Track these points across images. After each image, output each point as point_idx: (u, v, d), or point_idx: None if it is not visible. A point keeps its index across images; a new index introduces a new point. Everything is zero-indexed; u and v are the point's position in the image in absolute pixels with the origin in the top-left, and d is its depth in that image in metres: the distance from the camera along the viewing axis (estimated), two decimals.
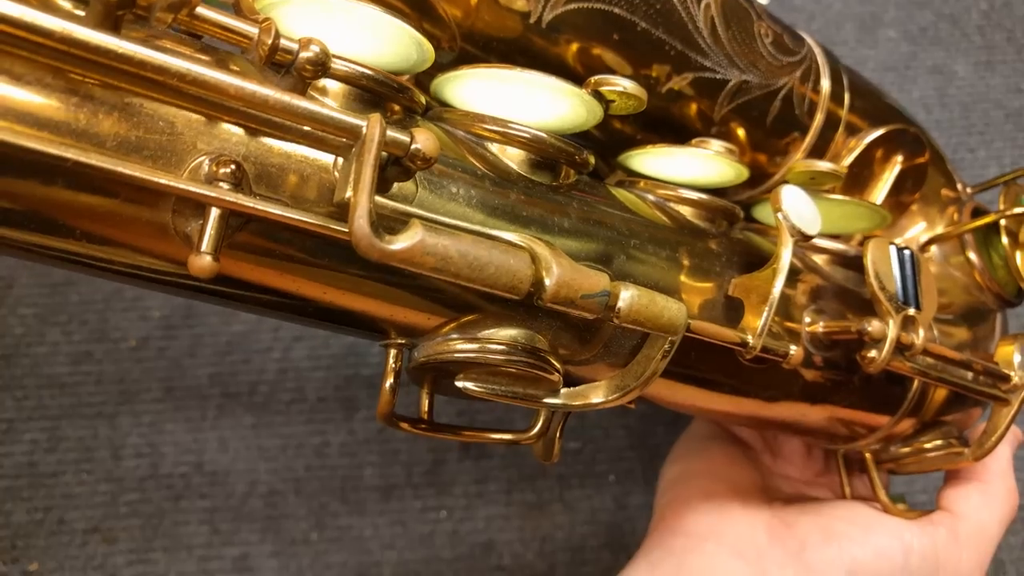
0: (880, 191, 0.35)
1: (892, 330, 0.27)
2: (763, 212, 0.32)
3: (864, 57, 0.58)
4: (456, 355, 0.22)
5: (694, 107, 0.29)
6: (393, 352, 0.23)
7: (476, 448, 0.47)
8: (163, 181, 0.16)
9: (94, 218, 0.18)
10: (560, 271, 0.20)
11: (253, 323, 0.48)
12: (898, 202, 0.35)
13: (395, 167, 0.19)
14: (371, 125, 0.18)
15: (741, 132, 0.31)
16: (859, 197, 0.34)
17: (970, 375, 0.31)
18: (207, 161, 0.18)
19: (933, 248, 0.37)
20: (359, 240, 0.17)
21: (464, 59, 0.26)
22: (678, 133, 0.30)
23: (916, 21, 0.59)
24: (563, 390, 0.24)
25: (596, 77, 0.23)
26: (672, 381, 0.27)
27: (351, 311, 0.22)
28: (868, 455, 0.34)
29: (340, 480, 0.46)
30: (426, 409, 0.25)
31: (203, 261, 0.17)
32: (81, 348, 0.46)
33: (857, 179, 0.34)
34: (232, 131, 0.19)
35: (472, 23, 0.25)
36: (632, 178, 0.28)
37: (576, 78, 0.24)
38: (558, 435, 0.26)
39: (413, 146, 0.18)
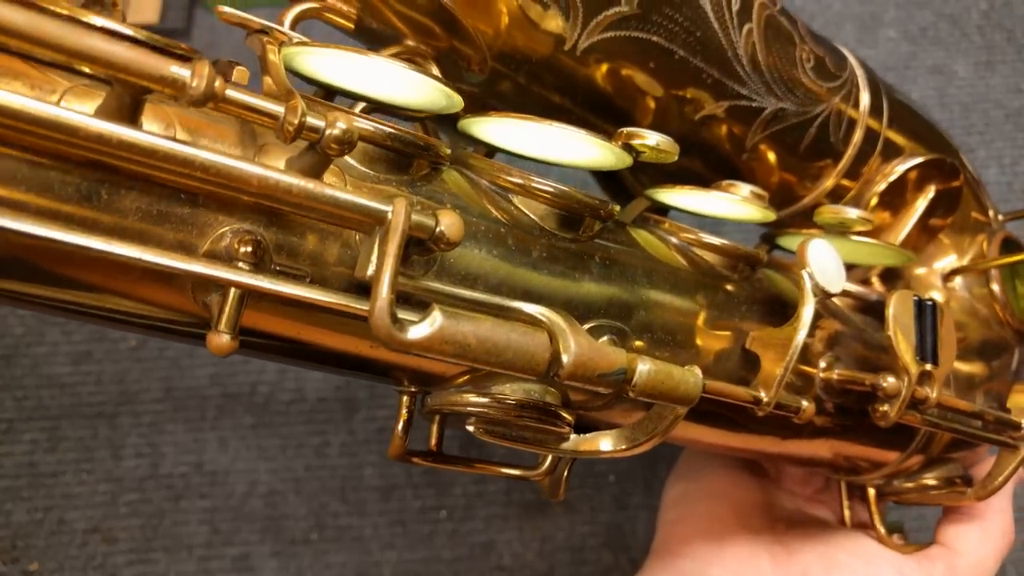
0: (911, 218, 0.34)
1: (906, 389, 0.27)
2: (789, 242, 0.31)
3: (864, 57, 0.57)
4: (468, 408, 0.22)
5: (728, 133, 0.29)
6: (406, 398, 0.24)
7: (478, 445, 0.47)
8: (180, 265, 0.16)
9: (113, 287, 0.18)
10: (578, 350, 0.20)
11: None
12: (928, 227, 0.35)
13: (417, 247, 0.19)
14: (396, 212, 0.18)
15: (773, 157, 0.30)
16: (890, 221, 0.34)
17: (980, 423, 0.31)
18: (229, 234, 0.18)
19: (957, 279, 0.36)
20: (379, 331, 0.17)
21: (494, 79, 0.25)
22: (709, 156, 0.29)
23: (916, 21, 0.59)
24: (573, 436, 0.24)
25: (627, 130, 0.23)
26: (684, 422, 0.28)
27: (368, 360, 0.22)
28: (871, 490, 0.35)
29: (340, 480, 0.46)
30: (435, 442, 0.25)
31: (221, 340, 0.17)
32: (81, 348, 0.46)
33: (888, 205, 0.33)
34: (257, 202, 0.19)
35: (503, 43, 0.24)
36: (657, 217, 0.28)
37: (606, 100, 0.24)
38: (565, 475, 0.27)
39: (438, 230, 0.18)
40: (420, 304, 0.19)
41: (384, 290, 0.17)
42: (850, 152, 0.31)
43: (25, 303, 0.18)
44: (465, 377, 0.23)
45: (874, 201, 0.33)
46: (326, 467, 0.46)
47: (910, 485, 0.34)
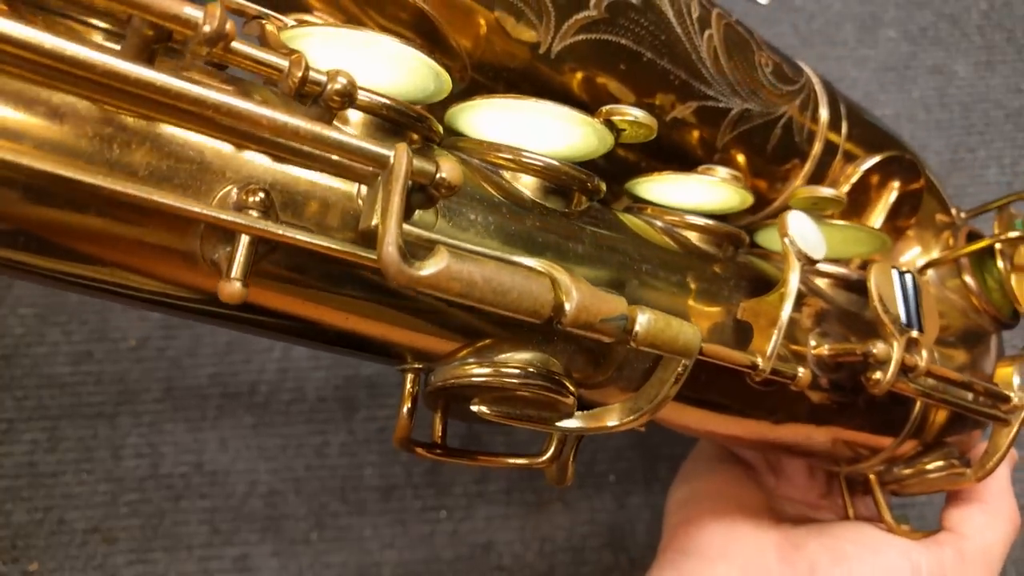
0: (878, 216, 0.35)
1: (896, 352, 0.27)
2: (766, 238, 0.32)
3: (864, 57, 0.58)
4: (472, 379, 0.22)
5: (698, 135, 0.30)
6: (410, 377, 0.24)
7: (478, 441, 0.47)
8: (196, 209, 0.17)
9: (123, 247, 0.18)
10: (580, 296, 0.20)
11: None
12: (895, 227, 0.36)
13: (419, 195, 0.19)
14: (398, 154, 0.18)
15: (743, 159, 0.31)
16: (858, 222, 0.35)
17: (971, 396, 0.32)
18: (235, 190, 0.18)
19: (930, 272, 0.37)
20: (388, 266, 0.18)
21: (475, 89, 0.26)
22: (682, 161, 0.30)
23: (916, 21, 0.59)
24: (577, 413, 0.24)
25: (607, 107, 0.24)
26: (682, 404, 0.28)
27: (371, 337, 0.22)
28: (872, 476, 0.35)
29: (340, 480, 0.46)
30: (440, 434, 0.25)
31: (233, 287, 0.17)
32: (81, 348, 0.46)
33: (855, 205, 0.35)
34: (259, 161, 0.19)
35: (482, 53, 0.25)
36: (639, 204, 0.29)
37: (583, 107, 0.24)
38: (571, 459, 0.27)
39: (439, 175, 0.19)
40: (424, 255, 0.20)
41: (392, 227, 0.18)
42: (815, 153, 0.33)
43: (39, 276, 0.19)
44: (467, 351, 0.23)
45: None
46: (326, 467, 0.46)
47: (909, 471, 0.34)
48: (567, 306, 0.20)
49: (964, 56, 0.58)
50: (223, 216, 0.17)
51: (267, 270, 0.20)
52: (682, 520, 0.36)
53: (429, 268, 0.18)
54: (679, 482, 0.39)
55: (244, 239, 0.18)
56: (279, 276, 0.20)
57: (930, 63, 0.58)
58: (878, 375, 0.28)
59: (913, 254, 0.38)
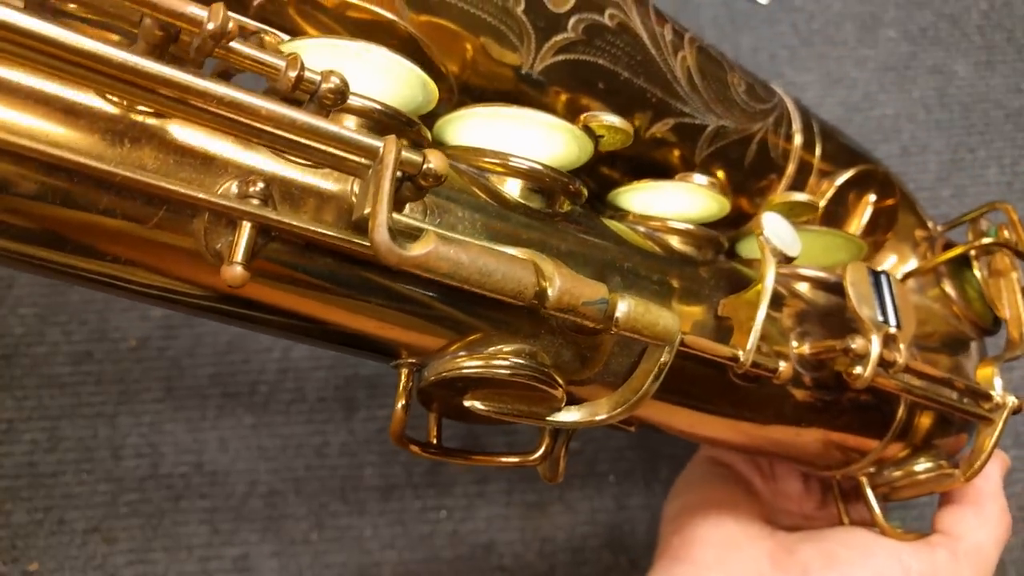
0: (854, 229, 0.37)
1: (875, 345, 0.28)
2: (746, 248, 0.33)
3: (864, 57, 0.58)
4: (464, 371, 0.23)
5: (677, 151, 0.31)
6: (404, 372, 0.25)
7: (476, 442, 0.47)
8: (202, 196, 0.18)
9: (129, 240, 0.19)
10: (562, 280, 0.21)
11: None
12: (872, 242, 0.37)
13: (408, 185, 0.20)
14: (388, 145, 0.19)
15: (721, 174, 0.32)
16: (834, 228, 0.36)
17: (954, 394, 0.32)
18: (236, 183, 0.20)
19: (910, 282, 0.38)
20: (379, 246, 0.19)
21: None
22: (663, 176, 0.31)
23: (916, 21, 0.59)
24: (566, 408, 0.25)
25: (586, 114, 0.26)
26: (669, 404, 0.28)
27: (366, 332, 0.23)
28: (863, 478, 0.35)
29: (340, 480, 0.46)
30: (435, 433, 0.26)
31: (235, 271, 0.19)
32: (81, 348, 0.46)
33: (832, 218, 0.36)
34: (258, 158, 0.20)
35: (469, 76, 0.27)
36: (621, 213, 0.30)
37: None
38: (562, 455, 0.28)
39: (426, 165, 0.20)
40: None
41: (383, 210, 0.19)
42: (791, 169, 0.34)
43: (49, 270, 0.20)
44: (458, 344, 0.24)
45: (819, 215, 0.35)
46: (326, 467, 0.46)
47: (899, 474, 0.34)
48: (550, 290, 0.21)
49: (964, 56, 0.58)
50: (226, 203, 0.19)
51: (266, 266, 0.21)
52: (677, 529, 0.36)
53: (418, 249, 0.19)
54: (674, 495, 0.39)
55: (246, 225, 0.19)
56: (277, 272, 0.21)
57: (930, 63, 0.58)
58: (858, 369, 0.28)
59: (890, 264, 0.39)
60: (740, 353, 0.26)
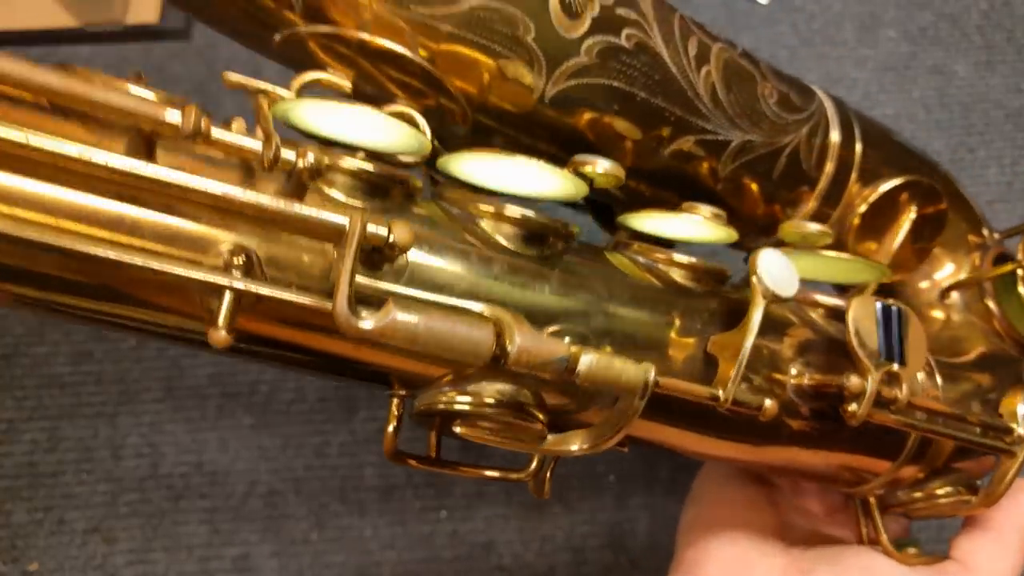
0: (896, 238, 0.35)
1: (871, 385, 0.28)
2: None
3: (864, 57, 0.58)
4: (449, 405, 0.25)
5: (700, 165, 0.31)
6: (395, 401, 0.27)
7: (477, 449, 0.47)
8: (181, 272, 0.20)
9: (140, 293, 0.22)
10: (521, 339, 0.23)
11: None
12: (918, 249, 0.36)
13: (379, 254, 0.23)
14: (352, 223, 0.21)
15: (752, 186, 0.32)
16: (874, 244, 0.35)
17: (970, 427, 0.31)
18: (227, 250, 0.22)
19: (954, 294, 0.37)
20: (338, 319, 0.21)
21: (479, 129, 0.28)
22: (690, 188, 0.31)
23: (916, 21, 0.59)
24: (549, 437, 0.26)
25: (576, 158, 0.26)
26: (658, 424, 0.29)
27: (359, 365, 0.25)
28: (872, 499, 0.35)
29: (340, 480, 0.46)
30: (434, 447, 0.29)
31: (219, 335, 0.20)
32: (81, 348, 0.46)
33: (872, 227, 0.35)
34: (249, 225, 0.23)
35: (484, 99, 0.27)
36: (629, 240, 0.30)
37: (585, 143, 0.27)
38: (548, 475, 0.30)
39: (390, 239, 0.22)
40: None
41: (343, 285, 0.21)
42: (824, 180, 0.33)
43: (74, 317, 0.23)
44: (448, 378, 0.25)
45: (856, 222, 0.34)
46: (326, 467, 0.46)
47: (918, 495, 0.34)
48: (510, 349, 0.23)
49: (964, 56, 0.58)
50: (205, 278, 0.20)
51: (262, 308, 0.22)
52: (691, 542, 0.36)
53: (375, 322, 0.21)
54: (689, 504, 0.39)
55: (228, 294, 0.21)
56: (265, 326, 0.23)
57: (930, 63, 0.58)
58: (853, 407, 0.28)
59: (942, 274, 0.37)
60: (720, 392, 0.26)
